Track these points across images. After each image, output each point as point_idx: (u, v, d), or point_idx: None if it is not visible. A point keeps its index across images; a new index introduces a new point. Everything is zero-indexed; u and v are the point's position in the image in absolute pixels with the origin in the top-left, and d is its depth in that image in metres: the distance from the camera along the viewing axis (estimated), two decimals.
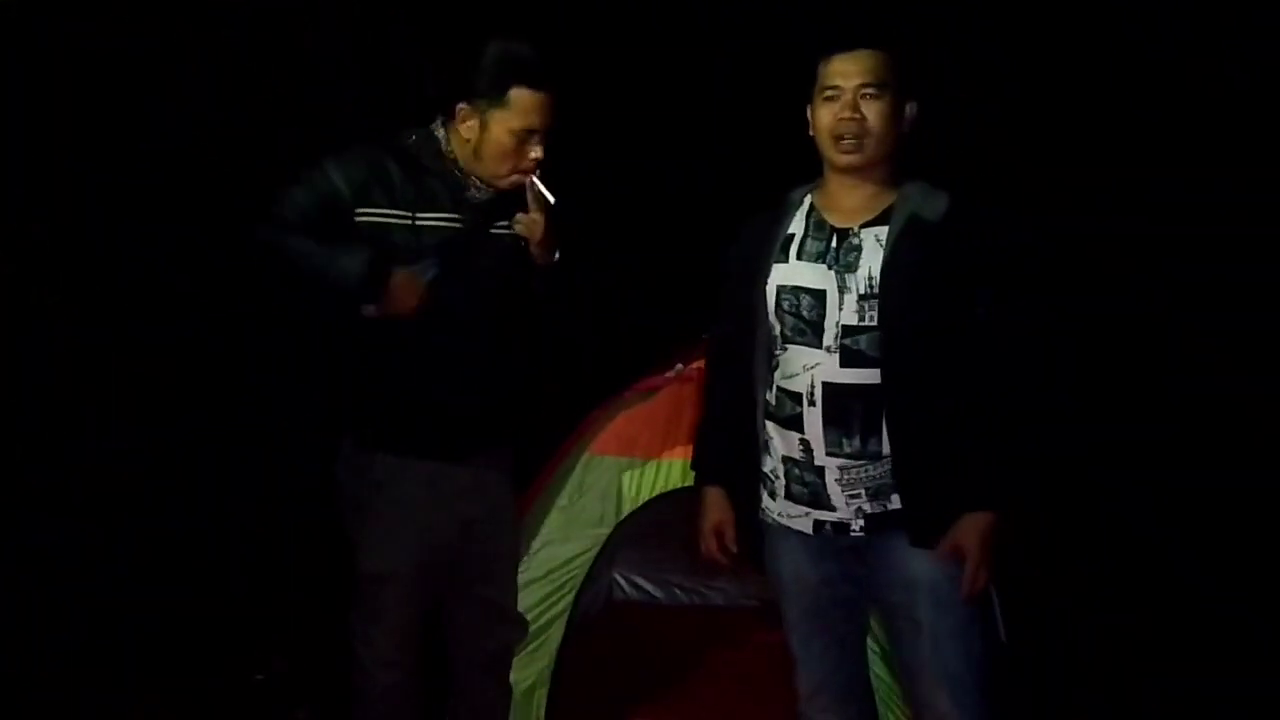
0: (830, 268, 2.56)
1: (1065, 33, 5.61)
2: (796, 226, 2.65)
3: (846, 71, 2.56)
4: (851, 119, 2.54)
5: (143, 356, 5.55)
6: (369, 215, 2.78)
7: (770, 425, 2.64)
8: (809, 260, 2.59)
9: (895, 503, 2.55)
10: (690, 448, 3.56)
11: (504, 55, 2.80)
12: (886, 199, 2.59)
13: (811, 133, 2.63)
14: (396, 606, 2.91)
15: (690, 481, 3.55)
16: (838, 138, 2.56)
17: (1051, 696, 3.84)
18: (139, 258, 5.70)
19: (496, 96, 2.77)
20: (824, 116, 2.58)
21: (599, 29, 6.05)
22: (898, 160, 2.62)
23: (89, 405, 5.57)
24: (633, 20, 6.08)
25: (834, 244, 2.58)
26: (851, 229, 2.58)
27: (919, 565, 2.53)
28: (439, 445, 2.88)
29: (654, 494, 3.60)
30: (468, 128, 2.81)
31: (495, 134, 2.79)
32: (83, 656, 4.15)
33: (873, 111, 2.54)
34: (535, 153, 2.82)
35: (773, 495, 2.68)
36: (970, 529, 2.49)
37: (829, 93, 2.57)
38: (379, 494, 2.87)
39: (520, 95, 2.77)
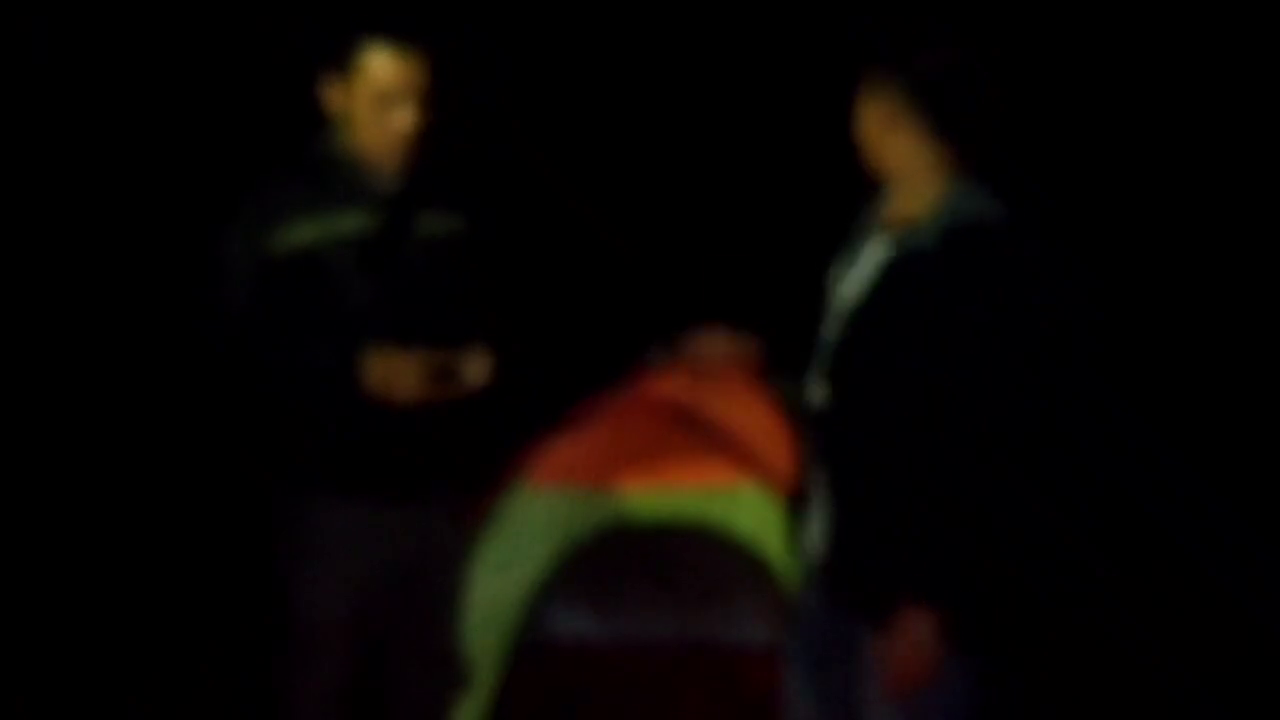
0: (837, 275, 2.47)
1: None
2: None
3: None
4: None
5: (141, 356, 5.59)
6: (285, 244, 2.68)
7: None
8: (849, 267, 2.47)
9: None
10: (632, 475, 3.53)
11: (346, 23, 2.71)
12: (919, 209, 2.35)
13: None
14: (331, 655, 2.83)
15: (631, 513, 3.52)
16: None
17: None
18: (137, 258, 5.75)
19: (346, 65, 2.67)
20: None
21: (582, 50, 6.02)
22: (925, 167, 2.34)
23: (87, 404, 5.62)
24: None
25: (856, 253, 2.46)
26: (873, 238, 2.42)
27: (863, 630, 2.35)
28: (378, 486, 2.79)
29: (595, 526, 3.49)
30: (336, 107, 2.70)
31: (357, 105, 2.68)
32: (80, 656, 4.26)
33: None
34: (400, 118, 2.68)
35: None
36: (904, 624, 2.22)
37: None
38: (315, 537, 2.78)
39: (368, 58, 2.66)
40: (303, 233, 2.67)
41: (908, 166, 2.35)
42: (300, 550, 2.81)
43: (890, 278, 2.29)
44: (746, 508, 3.41)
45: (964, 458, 2.18)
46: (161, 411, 5.53)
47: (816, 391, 2.41)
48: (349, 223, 2.71)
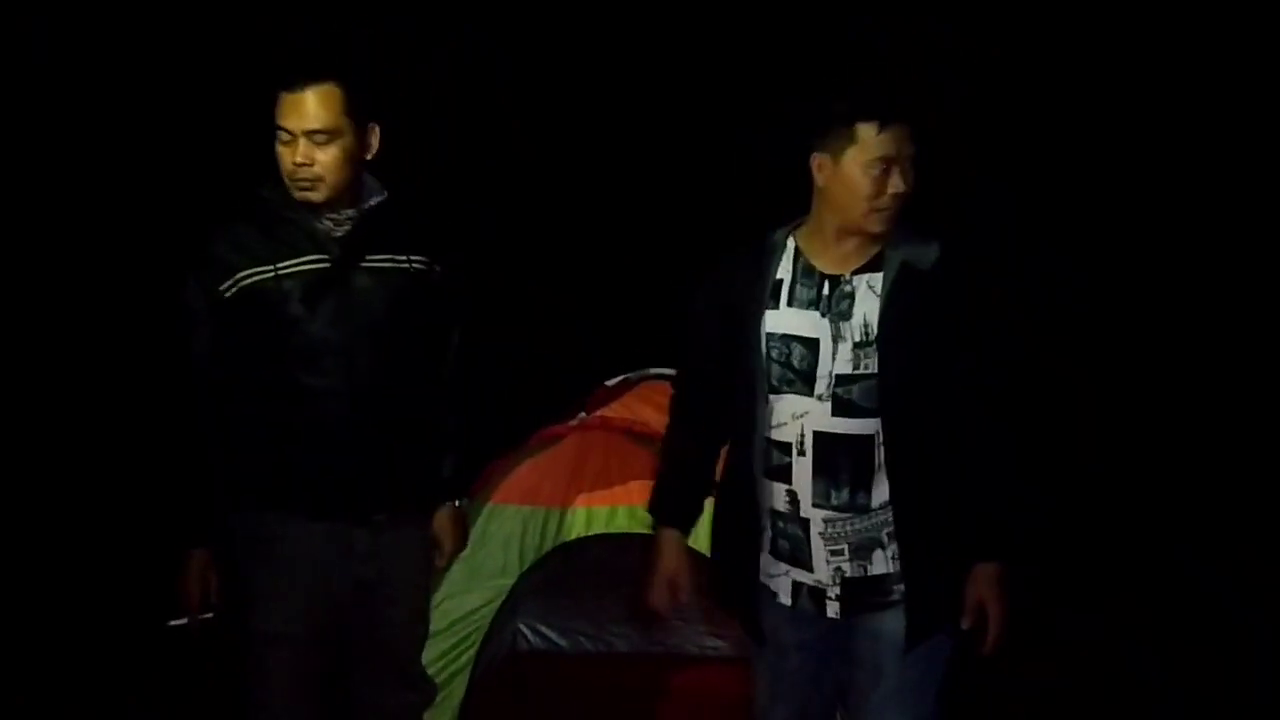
0: (824, 315, 2.52)
1: None
2: (784, 271, 2.57)
3: (894, 142, 2.44)
4: (896, 196, 2.45)
5: (138, 356, 5.60)
6: (234, 285, 2.74)
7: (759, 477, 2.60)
8: (800, 307, 2.54)
9: (876, 564, 2.52)
10: (593, 495, 3.62)
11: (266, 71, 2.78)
12: (877, 244, 2.52)
13: (821, 183, 2.50)
14: (288, 669, 2.82)
15: (593, 530, 3.58)
16: (879, 210, 2.46)
17: None
18: (136, 258, 5.75)
19: (273, 110, 2.73)
20: (867, 186, 2.44)
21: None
22: None
23: (87, 403, 5.66)
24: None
25: (825, 291, 2.53)
26: (843, 276, 2.52)
27: (889, 617, 2.53)
28: (329, 505, 2.79)
29: (557, 543, 3.59)
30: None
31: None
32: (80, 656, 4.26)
33: (908, 183, 2.46)
34: (298, 153, 2.72)
35: (760, 550, 2.64)
36: (987, 580, 2.51)
37: (880, 166, 2.44)
38: (268, 552, 2.80)
39: (284, 98, 2.72)
40: (256, 278, 2.73)
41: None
42: (256, 566, 2.82)
43: (912, 302, 2.47)
44: (705, 522, 3.47)
45: (1001, 428, 2.52)
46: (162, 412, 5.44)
47: (816, 419, 2.50)
48: (301, 267, 2.75)
